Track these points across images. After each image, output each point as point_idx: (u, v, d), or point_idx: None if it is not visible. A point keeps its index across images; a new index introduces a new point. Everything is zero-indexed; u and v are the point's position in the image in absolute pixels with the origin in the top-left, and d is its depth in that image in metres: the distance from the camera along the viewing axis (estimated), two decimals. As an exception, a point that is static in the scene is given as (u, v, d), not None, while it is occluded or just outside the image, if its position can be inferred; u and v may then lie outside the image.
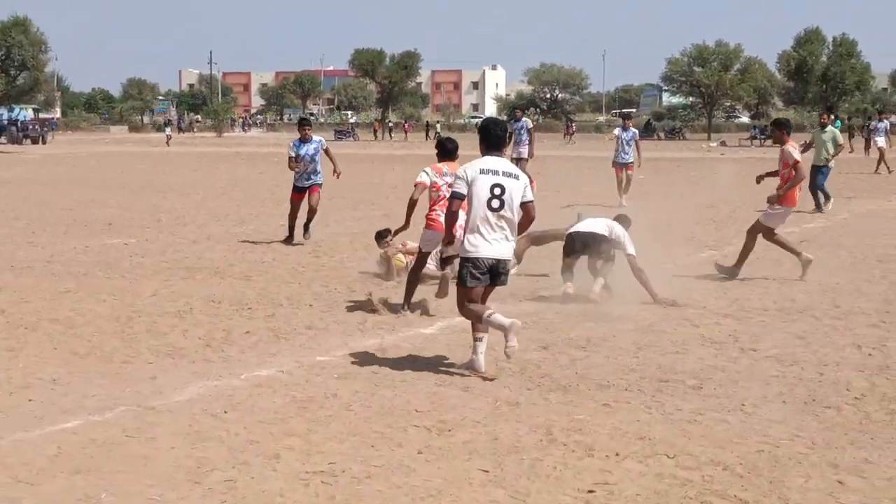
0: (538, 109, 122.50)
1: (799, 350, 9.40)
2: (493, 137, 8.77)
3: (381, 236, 13.72)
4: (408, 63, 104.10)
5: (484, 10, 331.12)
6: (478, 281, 8.57)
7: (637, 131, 26.63)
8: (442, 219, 10.17)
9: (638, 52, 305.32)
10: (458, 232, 8.77)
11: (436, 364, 8.87)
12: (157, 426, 7.06)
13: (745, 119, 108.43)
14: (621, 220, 12.68)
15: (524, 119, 27.20)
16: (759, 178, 14.40)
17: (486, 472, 6.19)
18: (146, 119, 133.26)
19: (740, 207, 23.18)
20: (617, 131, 25.89)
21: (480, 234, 8.46)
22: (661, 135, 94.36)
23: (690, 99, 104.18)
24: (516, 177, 8.60)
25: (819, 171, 23.47)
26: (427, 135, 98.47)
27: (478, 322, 8.61)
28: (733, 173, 35.85)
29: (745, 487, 5.94)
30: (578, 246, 12.12)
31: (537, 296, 12.10)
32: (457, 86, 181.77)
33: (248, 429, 7.02)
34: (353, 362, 8.94)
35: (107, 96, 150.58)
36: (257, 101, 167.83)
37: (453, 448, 6.63)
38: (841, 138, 24.21)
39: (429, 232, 11.15)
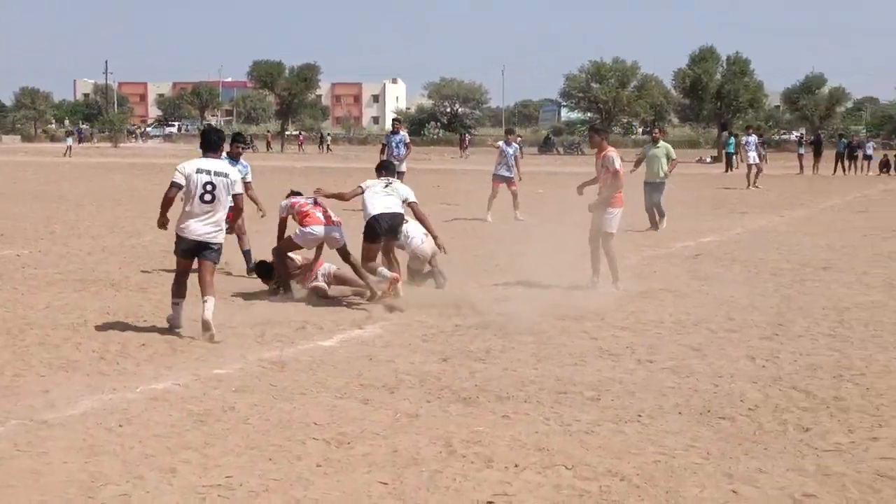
0: (438, 123, 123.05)
1: (694, 362, 9.54)
2: (210, 142, 10.83)
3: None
4: (307, 75, 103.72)
5: (384, 23, 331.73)
6: (186, 254, 10.65)
7: (519, 146, 26.99)
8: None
9: (537, 67, 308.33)
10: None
11: (335, 376, 8.83)
12: (49, 440, 6.91)
13: (641, 135, 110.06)
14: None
15: (402, 132, 27.18)
16: (580, 189, 14.64)
17: (386, 484, 6.17)
18: (39, 129, 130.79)
19: (635, 222, 23.50)
20: (500, 144, 25.93)
21: (192, 219, 10.46)
22: (560, 150, 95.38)
23: (589, 114, 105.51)
24: (226, 175, 10.59)
25: (654, 187, 22.89)
26: (321, 146, 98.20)
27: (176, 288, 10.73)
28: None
29: (642, 498, 6.01)
30: (385, 228, 12.70)
31: (436, 309, 12.09)
32: (357, 99, 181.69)
33: (144, 442, 6.90)
34: (250, 375, 8.86)
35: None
36: (154, 112, 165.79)
37: (352, 461, 6.60)
38: (674, 153, 23.63)
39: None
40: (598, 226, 13.81)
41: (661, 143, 23.60)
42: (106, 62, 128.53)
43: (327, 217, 12.78)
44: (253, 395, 8.17)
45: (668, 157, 23.19)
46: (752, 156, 40.11)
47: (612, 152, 13.79)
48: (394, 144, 26.28)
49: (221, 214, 10.63)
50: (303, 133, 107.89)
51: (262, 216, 15.19)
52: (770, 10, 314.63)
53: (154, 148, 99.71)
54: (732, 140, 59.70)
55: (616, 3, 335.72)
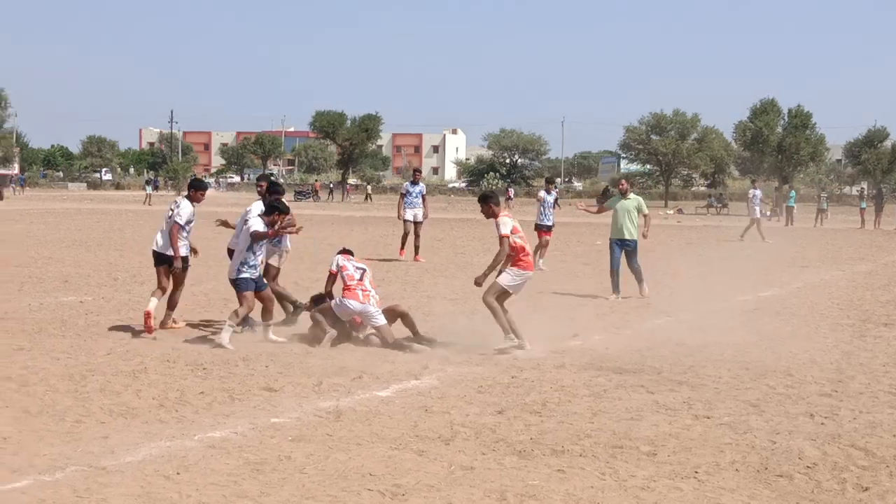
0: (497, 174, 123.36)
1: (752, 418, 9.46)
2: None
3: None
4: (369, 125, 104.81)
5: (446, 74, 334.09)
6: None
7: (557, 194, 27.33)
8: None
9: (597, 119, 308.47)
10: None
11: (391, 427, 8.85)
12: (107, 487, 6.99)
13: (702, 187, 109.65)
14: None
15: (422, 184, 27.97)
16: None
17: (440, 536, 6.17)
18: (107, 176, 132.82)
19: (694, 275, 23.39)
20: (542, 194, 26.18)
21: None
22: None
23: (648, 166, 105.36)
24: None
25: (622, 246, 19.57)
26: (367, 198, 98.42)
27: None
28: (687, 242, 36.11)
29: (698, 555, 5.96)
30: None
31: (493, 360, 12.12)
32: (417, 149, 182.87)
33: (201, 490, 6.96)
34: (307, 425, 8.91)
35: (66, 153, 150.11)
36: (217, 161, 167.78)
37: (407, 512, 6.61)
38: (646, 207, 19.99)
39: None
40: (500, 280, 13.00)
41: (632, 195, 19.90)
42: (171, 111, 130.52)
43: (365, 295, 13.20)
44: (309, 445, 8.22)
45: (640, 212, 19.79)
46: (757, 210, 40.27)
47: (500, 219, 13.18)
48: (414, 195, 27.16)
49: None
50: (349, 184, 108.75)
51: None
52: (833, 63, 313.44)
53: (216, 196, 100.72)
54: (794, 194, 59.37)
55: (677, 55, 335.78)
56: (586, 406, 9.83)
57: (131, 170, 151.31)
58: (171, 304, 14.37)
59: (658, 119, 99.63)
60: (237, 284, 13.34)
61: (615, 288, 19.06)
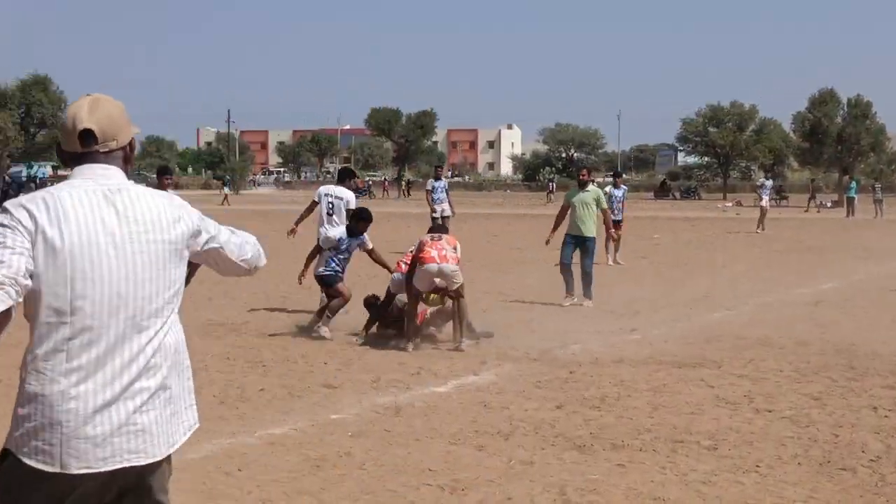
0: (553, 168, 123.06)
1: (814, 411, 9.37)
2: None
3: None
4: (424, 122, 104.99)
5: (500, 69, 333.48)
6: None
7: (626, 188, 27.13)
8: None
9: (653, 112, 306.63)
10: None
11: (449, 422, 8.87)
12: (170, 483, 7.04)
13: (761, 179, 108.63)
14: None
15: (443, 179, 28.36)
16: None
17: (500, 532, 6.17)
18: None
19: (753, 267, 23.22)
20: (608, 189, 26.01)
21: None
22: (677, 194, 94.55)
23: (706, 159, 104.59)
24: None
25: (577, 243, 16.99)
26: (400, 192, 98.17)
27: None
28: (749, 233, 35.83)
29: (760, 549, 5.91)
30: None
31: (551, 355, 12.10)
32: (473, 144, 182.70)
33: (261, 487, 7.02)
34: (366, 420, 8.95)
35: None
36: (274, 159, 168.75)
37: (466, 507, 6.62)
38: (605, 201, 17.80)
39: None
40: None
41: (591, 187, 17.65)
42: (228, 111, 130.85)
43: (442, 256, 12.52)
44: (368, 441, 8.25)
45: (599, 204, 17.35)
46: (766, 199, 39.81)
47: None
48: (439, 190, 27.55)
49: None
50: (386, 179, 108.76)
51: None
52: (893, 51, 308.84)
53: (276, 195, 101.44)
54: (854, 184, 58.68)
55: (734, 45, 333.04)
56: (646, 401, 9.78)
57: (189, 169, 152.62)
58: None
59: (715, 111, 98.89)
60: (324, 280, 13.40)
61: (569, 288, 16.72)
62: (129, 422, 3.41)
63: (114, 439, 3.38)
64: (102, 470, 3.38)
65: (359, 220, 13.73)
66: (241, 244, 3.94)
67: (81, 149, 3.55)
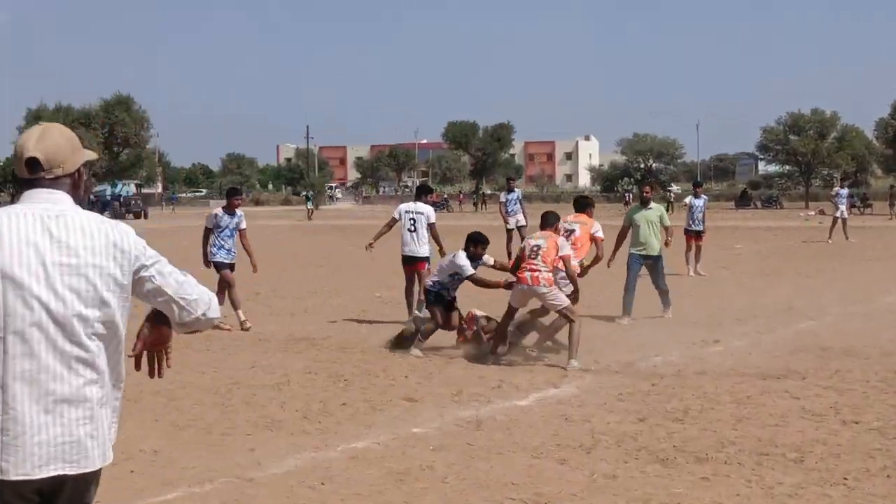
0: (632, 179, 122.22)
1: (903, 423, 9.20)
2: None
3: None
4: (501, 135, 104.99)
5: (576, 81, 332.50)
6: None
7: (707, 198, 26.90)
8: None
9: (732, 120, 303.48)
10: None
11: (531, 436, 8.84)
12: (255, 498, 7.14)
13: (836, 188, 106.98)
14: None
15: (517, 190, 29.04)
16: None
17: (583, 546, 6.14)
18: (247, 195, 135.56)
19: (836, 277, 22.86)
20: (689, 199, 25.87)
21: None
22: (758, 203, 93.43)
23: (787, 167, 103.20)
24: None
25: (643, 262, 16.67)
26: (477, 205, 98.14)
27: None
28: (836, 243, 35.28)
29: (849, 564, 5.81)
30: None
31: (632, 367, 12.02)
32: (550, 156, 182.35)
33: (345, 501, 7.06)
34: (448, 434, 8.96)
35: (206, 171, 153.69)
36: (353, 175, 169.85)
37: (549, 521, 6.59)
38: (668, 219, 17.41)
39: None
40: None
41: (654, 205, 17.33)
42: (307, 127, 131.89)
43: (534, 277, 12.30)
44: (450, 454, 8.26)
45: (663, 223, 17.14)
46: (843, 207, 37.96)
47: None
48: (512, 202, 28.24)
49: None
50: (462, 192, 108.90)
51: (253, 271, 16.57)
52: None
53: (355, 210, 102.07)
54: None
55: (815, 53, 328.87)
56: (729, 413, 9.68)
57: (269, 185, 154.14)
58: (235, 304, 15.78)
59: (796, 119, 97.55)
60: (427, 297, 13.55)
61: (627, 309, 16.14)
62: (64, 434, 3.62)
63: (50, 449, 3.59)
64: (38, 477, 3.58)
65: (476, 244, 13.47)
66: (183, 283, 3.98)
67: (28, 175, 3.78)
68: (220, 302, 15.20)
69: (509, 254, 27.42)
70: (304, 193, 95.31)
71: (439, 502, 7.01)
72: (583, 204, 15.03)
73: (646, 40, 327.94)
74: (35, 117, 65.22)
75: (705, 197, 26.37)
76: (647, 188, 18.26)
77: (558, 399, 10.44)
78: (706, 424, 9.22)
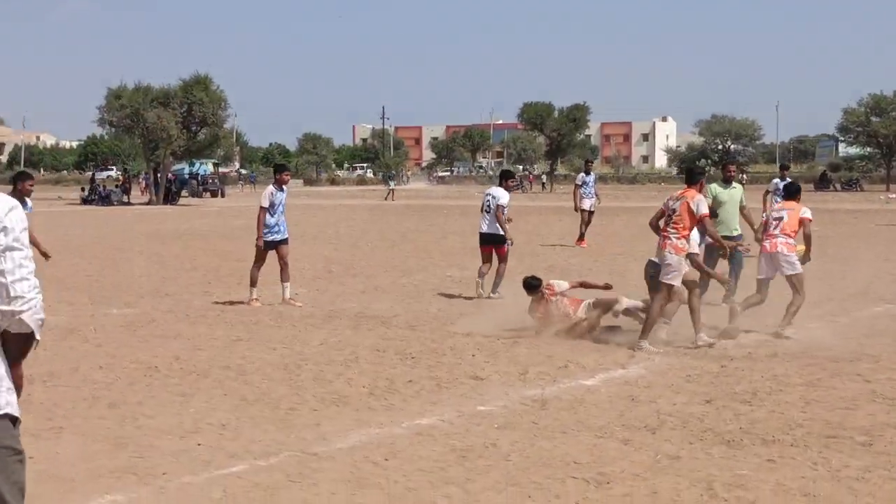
0: (709, 161, 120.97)
1: (977, 408, 9.03)
2: None
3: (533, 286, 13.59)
4: (576, 115, 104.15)
5: (654, 61, 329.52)
6: None
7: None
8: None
9: (813, 102, 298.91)
10: None
11: (596, 415, 8.82)
12: (319, 472, 7.20)
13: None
14: None
15: (594, 173, 29.49)
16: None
17: (644, 525, 6.11)
18: (323, 174, 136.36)
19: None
20: (775, 181, 25.28)
21: None
22: (838, 186, 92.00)
23: (868, 149, 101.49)
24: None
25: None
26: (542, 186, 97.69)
27: None
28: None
29: (915, 549, 5.73)
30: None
31: (702, 349, 11.92)
32: (626, 137, 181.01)
33: (408, 476, 7.10)
34: (513, 412, 8.97)
35: (283, 150, 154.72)
36: (428, 155, 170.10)
37: (611, 501, 6.59)
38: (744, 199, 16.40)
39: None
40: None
41: (736, 183, 16.57)
42: (383, 107, 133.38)
43: (665, 241, 12.31)
44: (514, 433, 8.27)
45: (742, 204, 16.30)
46: None
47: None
48: (590, 185, 28.43)
49: None
50: (530, 173, 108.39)
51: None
52: None
53: (428, 190, 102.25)
54: None
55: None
56: (799, 395, 9.57)
57: (345, 165, 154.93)
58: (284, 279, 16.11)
59: (877, 100, 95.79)
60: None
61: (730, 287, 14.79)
62: None
63: None
64: None
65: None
66: (22, 269, 4.19)
67: None
68: (286, 278, 15.41)
69: (582, 235, 27.37)
70: (384, 174, 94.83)
71: (502, 480, 7.03)
72: (793, 190, 14.07)
73: (725, 18, 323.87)
74: (115, 97, 65.57)
75: (789, 179, 25.80)
76: (732, 167, 17.49)
77: (625, 379, 10.40)
78: (774, 407, 9.13)
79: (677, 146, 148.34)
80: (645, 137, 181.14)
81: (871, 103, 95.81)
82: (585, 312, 12.94)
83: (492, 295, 16.51)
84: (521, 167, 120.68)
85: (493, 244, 16.94)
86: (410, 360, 11.45)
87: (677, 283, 12.20)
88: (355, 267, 22.32)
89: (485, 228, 17.08)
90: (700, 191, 12.70)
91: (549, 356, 11.51)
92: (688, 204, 12.23)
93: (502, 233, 16.84)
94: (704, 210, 12.34)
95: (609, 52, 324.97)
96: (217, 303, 16.42)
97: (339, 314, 14.96)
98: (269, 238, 16.10)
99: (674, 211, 12.32)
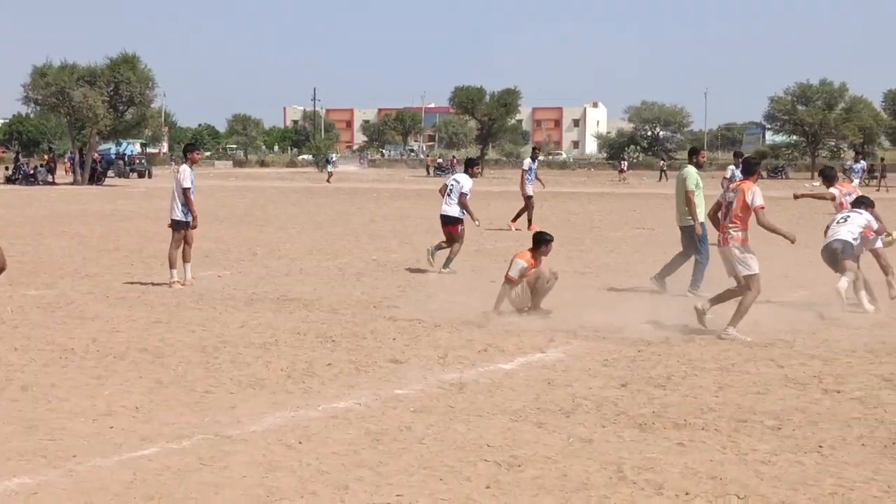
0: (638, 147, 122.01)
1: (884, 392, 9.21)
2: None
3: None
4: (507, 100, 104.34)
5: (585, 47, 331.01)
6: None
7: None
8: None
9: (740, 90, 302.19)
10: None
11: (512, 399, 8.88)
12: (231, 455, 7.17)
13: (849, 162, 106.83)
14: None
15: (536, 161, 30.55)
16: None
17: (552, 508, 6.17)
18: (251, 155, 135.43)
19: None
20: (731, 168, 25.72)
21: None
22: (764, 174, 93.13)
23: (794, 138, 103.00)
24: None
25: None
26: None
27: None
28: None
29: (815, 530, 5.84)
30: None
31: (620, 334, 12.02)
32: (557, 123, 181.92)
33: (321, 459, 7.10)
34: (430, 396, 9.00)
35: (213, 132, 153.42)
36: (359, 138, 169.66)
37: (521, 483, 6.63)
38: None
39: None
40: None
41: (689, 167, 16.32)
42: (314, 89, 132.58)
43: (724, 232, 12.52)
44: (430, 416, 8.30)
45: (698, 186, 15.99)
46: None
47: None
48: (534, 171, 29.49)
49: None
50: (455, 158, 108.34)
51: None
52: None
53: (359, 172, 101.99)
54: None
55: (823, 23, 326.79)
56: (712, 380, 9.70)
57: (276, 147, 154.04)
58: (187, 259, 16.44)
59: (804, 89, 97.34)
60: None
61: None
62: None
63: None
64: None
65: None
66: None
67: None
68: (187, 259, 15.86)
69: (530, 221, 27.47)
70: (324, 156, 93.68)
71: (415, 463, 7.05)
72: (748, 167, 13.43)
73: (657, 6, 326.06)
74: (41, 75, 64.42)
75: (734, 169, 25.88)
76: (704, 152, 17.04)
77: (543, 364, 10.47)
78: (688, 391, 9.25)
79: (608, 132, 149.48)
80: (576, 123, 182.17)
81: (798, 92, 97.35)
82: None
83: (442, 270, 17.47)
84: (451, 153, 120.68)
85: (450, 225, 17.99)
86: (331, 343, 11.42)
87: (756, 268, 12.26)
88: (280, 249, 22.20)
89: (445, 210, 18.12)
90: (755, 182, 12.71)
91: (469, 340, 11.56)
92: (744, 195, 12.32)
93: (458, 215, 17.91)
94: (760, 202, 12.36)
95: (541, 37, 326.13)
96: (137, 283, 16.28)
97: (262, 297, 14.89)
98: (186, 219, 16.40)
99: (731, 203, 12.42)
